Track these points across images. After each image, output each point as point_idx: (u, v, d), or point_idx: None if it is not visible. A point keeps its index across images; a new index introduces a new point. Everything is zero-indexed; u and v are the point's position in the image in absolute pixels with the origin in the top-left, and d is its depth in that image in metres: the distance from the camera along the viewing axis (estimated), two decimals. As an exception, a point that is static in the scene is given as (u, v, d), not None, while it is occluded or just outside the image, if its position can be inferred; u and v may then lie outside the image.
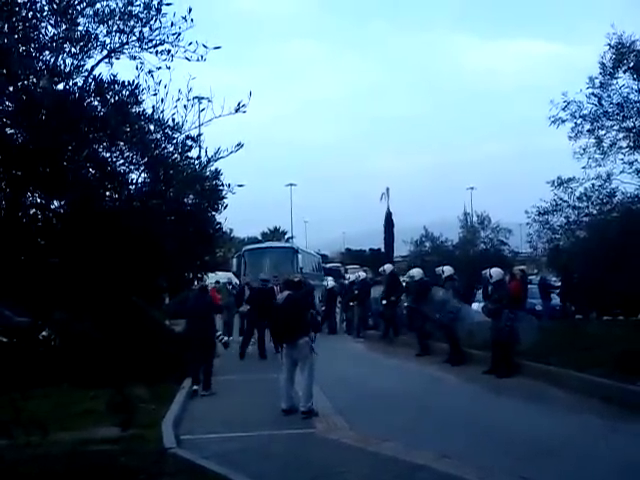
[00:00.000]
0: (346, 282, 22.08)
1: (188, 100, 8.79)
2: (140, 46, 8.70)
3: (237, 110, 8.55)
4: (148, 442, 6.84)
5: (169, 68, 8.72)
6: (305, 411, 8.35)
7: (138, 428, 7.22)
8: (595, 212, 9.40)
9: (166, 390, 9.65)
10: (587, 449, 6.68)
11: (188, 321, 10.86)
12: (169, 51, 8.62)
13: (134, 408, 7.36)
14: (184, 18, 8.87)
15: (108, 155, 9.78)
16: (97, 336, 10.00)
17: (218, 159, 9.48)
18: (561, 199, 9.38)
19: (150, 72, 8.83)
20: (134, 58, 8.72)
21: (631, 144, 8.93)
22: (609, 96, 9.08)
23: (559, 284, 20.79)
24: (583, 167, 9.13)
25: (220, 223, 11.59)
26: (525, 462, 6.20)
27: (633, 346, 10.23)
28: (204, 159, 9.62)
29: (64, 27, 8.90)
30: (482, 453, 6.55)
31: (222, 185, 10.35)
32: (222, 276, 21.64)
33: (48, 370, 9.48)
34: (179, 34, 8.75)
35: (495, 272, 12.13)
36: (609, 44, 9.10)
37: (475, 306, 14.42)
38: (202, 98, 9.13)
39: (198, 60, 8.49)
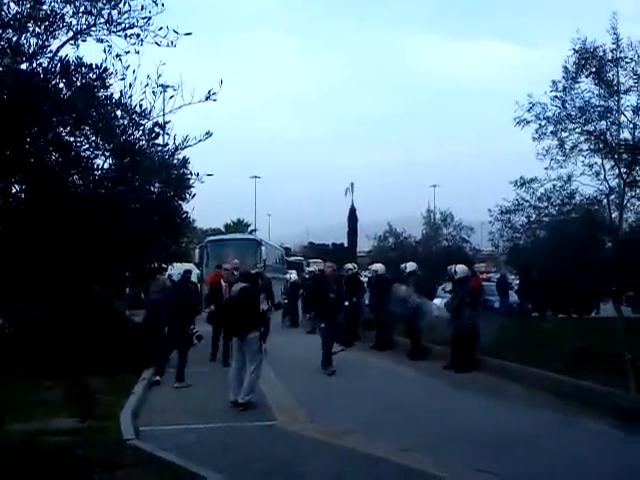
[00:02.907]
0: (306, 276, 22.10)
1: (158, 86, 8.61)
2: (108, 29, 8.44)
3: (207, 98, 8.38)
4: (106, 433, 6.72)
5: (138, 53, 8.51)
6: (242, 402, 8.27)
7: (95, 419, 7.11)
8: (555, 212, 9.60)
9: (125, 381, 9.49)
10: (541, 442, 6.87)
11: (167, 311, 10.68)
12: (138, 35, 8.40)
13: (93, 399, 7.24)
14: (154, 2, 8.67)
15: (73, 139, 9.51)
16: (54, 325, 9.77)
17: (186, 147, 9.33)
18: (523, 199, 9.57)
19: (118, 56, 8.61)
20: (101, 41, 8.48)
21: (592, 147, 9.16)
22: (572, 99, 9.30)
23: (517, 282, 21.33)
24: (545, 168, 9.34)
25: (187, 212, 11.43)
26: (482, 455, 6.33)
27: (586, 343, 10.56)
28: (172, 147, 9.44)
29: (28, 5, 8.60)
30: (441, 446, 6.66)
31: (190, 174, 10.18)
32: (183, 267, 21.34)
33: (2, 359, 9.22)
34: (149, 18, 8.55)
35: (460, 269, 12.31)
36: (573, 49, 9.29)
37: (437, 302, 14.61)
38: (167, 87, 8.93)
39: (168, 46, 8.30)
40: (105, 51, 8.60)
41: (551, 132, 9.33)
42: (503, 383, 9.95)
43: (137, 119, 9.06)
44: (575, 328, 13.69)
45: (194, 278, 19.54)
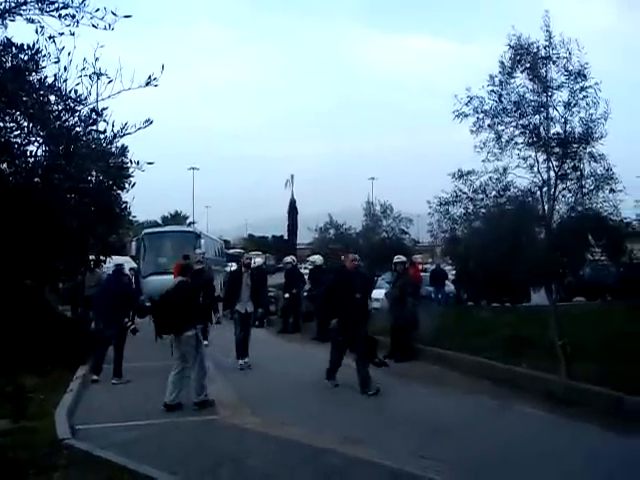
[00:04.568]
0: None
1: (94, 73, 8.18)
2: (40, 8, 7.84)
3: (148, 83, 8.02)
4: (40, 433, 6.48)
5: (73, 35, 7.94)
6: (198, 402, 7.99)
7: (29, 419, 6.83)
8: (490, 204, 9.86)
9: (60, 378, 9.16)
10: (479, 427, 7.12)
11: (102, 305, 10.33)
12: (73, 16, 7.83)
13: (26, 398, 6.95)
14: (91, -19, 8.19)
15: (2, 125, 8.98)
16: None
17: (125, 135, 8.94)
18: (461, 190, 9.75)
19: (52, 38, 8.05)
20: (32, 21, 7.91)
21: (526, 140, 9.43)
22: (508, 94, 9.52)
23: (453, 272, 21.94)
24: (483, 161, 9.55)
25: (126, 202, 11.00)
26: (424, 442, 6.50)
27: (519, 331, 11.00)
28: (110, 134, 9.04)
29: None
30: (384, 435, 6.78)
31: (130, 162, 9.78)
32: (118, 261, 20.74)
33: None
34: (85, -2, 8.04)
35: (404, 259, 12.57)
36: (509, 44, 9.52)
37: (377, 293, 14.79)
38: (101, 74, 8.51)
39: (106, 29, 7.76)
40: (37, 32, 8.08)
41: (488, 125, 9.51)
42: (442, 371, 10.20)
43: (72, 104, 8.59)
44: (509, 316, 14.21)
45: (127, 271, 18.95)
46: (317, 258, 16.22)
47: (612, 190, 9.13)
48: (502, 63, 9.56)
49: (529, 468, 5.74)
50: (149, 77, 8.07)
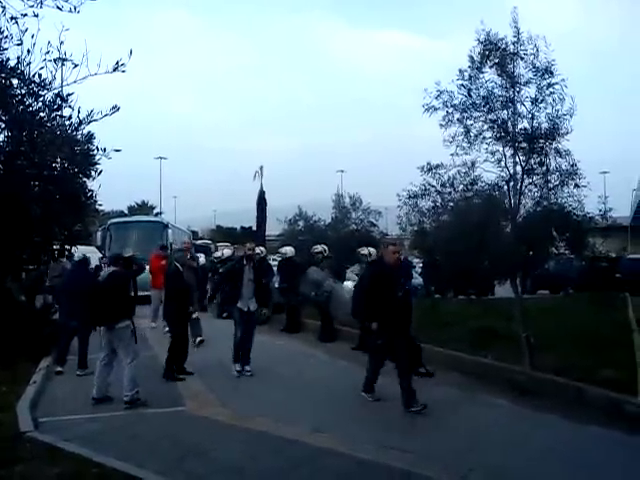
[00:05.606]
0: (215, 259, 21.73)
1: (60, 58, 7.95)
2: (1, -12, 7.64)
3: (115, 69, 7.84)
4: (1, 427, 6.37)
5: (37, 16, 7.70)
6: (128, 401, 7.58)
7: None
8: (458, 197, 9.93)
9: (22, 370, 8.96)
10: (447, 418, 7.23)
11: (64, 296, 10.10)
12: None
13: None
14: (54, -40, 7.92)
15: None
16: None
17: (91, 122, 8.74)
18: (429, 184, 9.78)
19: (14, 18, 7.80)
20: None
21: (495, 135, 9.51)
22: (477, 89, 9.56)
23: (421, 265, 22.12)
24: (451, 154, 9.59)
25: (92, 190, 10.76)
26: (392, 433, 6.57)
27: (486, 323, 11.18)
28: (75, 120, 8.82)
29: None
30: (353, 426, 6.82)
31: (96, 149, 9.55)
32: (83, 250, 20.33)
33: None
34: (49, -22, 7.78)
35: (373, 251, 12.59)
36: (478, 39, 9.56)
37: (348, 284, 14.83)
38: (66, 60, 8.28)
39: (71, 11, 7.50)
40: (-2, 12, 7.84)
41: (457, 119, 9.53)
42: (410, 363, 10.27)
43: (36, 89, 8.32)
44: (475, 309, 14.44)
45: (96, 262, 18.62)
46: (288, 250, 16.09)
47: (577, 185, 9.26)
48: (471, 58, 9.57)
49: (494, 457, 5.85)
50: (117, 63, 7.89)
